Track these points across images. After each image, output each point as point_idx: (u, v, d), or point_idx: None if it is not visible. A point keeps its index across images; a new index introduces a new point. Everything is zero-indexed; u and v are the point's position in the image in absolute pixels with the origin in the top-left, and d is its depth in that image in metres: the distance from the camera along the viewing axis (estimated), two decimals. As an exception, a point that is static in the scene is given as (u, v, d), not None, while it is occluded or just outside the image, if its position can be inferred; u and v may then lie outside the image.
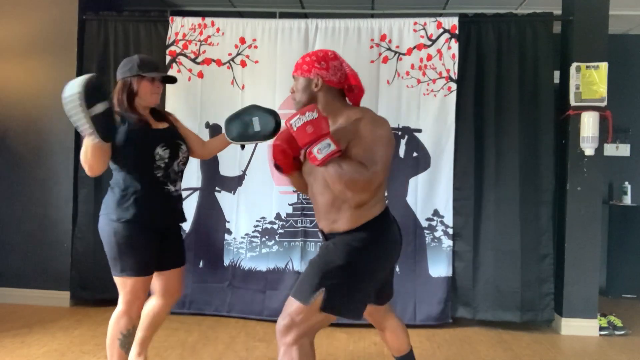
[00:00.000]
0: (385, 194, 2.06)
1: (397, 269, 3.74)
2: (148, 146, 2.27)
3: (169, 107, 3.86)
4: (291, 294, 1.92)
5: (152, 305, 2.55)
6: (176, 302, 2.60)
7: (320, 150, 1.78)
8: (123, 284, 2.28)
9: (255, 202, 3.83)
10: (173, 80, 2.49)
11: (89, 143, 2.10)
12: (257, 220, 3.82)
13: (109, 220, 2.25)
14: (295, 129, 1.80)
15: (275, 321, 3.83)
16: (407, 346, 2.32)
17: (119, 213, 2.24)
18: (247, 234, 3.83)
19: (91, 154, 2.13)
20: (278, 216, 3.80)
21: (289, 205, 3.79)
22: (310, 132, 1.78)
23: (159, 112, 2.46)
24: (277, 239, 3.80)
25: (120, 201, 2.25)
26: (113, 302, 3.88)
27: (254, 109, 2.49)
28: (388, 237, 2.00)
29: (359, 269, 1.92)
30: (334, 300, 1.87)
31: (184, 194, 3.85)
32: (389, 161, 1.89)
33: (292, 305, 1.89)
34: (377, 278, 2.00)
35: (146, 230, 2.27)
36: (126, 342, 2.30)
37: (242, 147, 2.62)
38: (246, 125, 2.44)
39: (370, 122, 1.91)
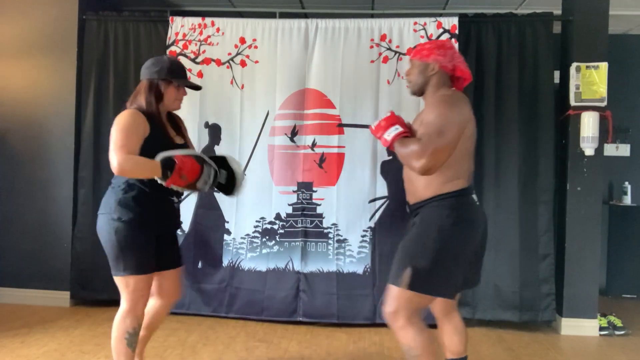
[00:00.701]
0: (463, 177, 2.16)
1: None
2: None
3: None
4: (389, 281, 2.11)
5: (151, 305, 2.55)
6: (175, 303, 2.59)
7: (389, 134, 2.13)
8: (125, 283, 2.26)
9: (255, 202, 3.82)
10: (198, 88, 2.50)
11: (157, 172, 2.12)
12: (256, 221, 3.82)
13: (109, 220, 2.24)
14: (373, 127, 2.22)
15: (274, 321, 3.86)
16: (460, 352, 2.34)
17: (120, 212, 2.22)
18: (247, 234, 3.83)
19: (145, 175, 2.18)
20: (278, 216, 3.80)
21: (289, 205, 3.79)
22: (383, 125, 2.16)
23: (173, 117, 2.46)
24: (278, 239, 3.80)
25: (123, 201, 2.24)
26: (112, 302, 3.91)
27: (227, 160, 2.44)
28: (466, 213, 2.12)
29: (440, 246, 2.05)
30: (418, 279, 2.03)
31: (184, 194, 3.85)
32: (441, 135, 2.02)
33: (391, 290, 2.08)
34: (459, 256, 2.09)
35: (145, 231, 2.27)
36: (133, 340, 2.29)
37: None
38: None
39: (433, 102, 2.16)
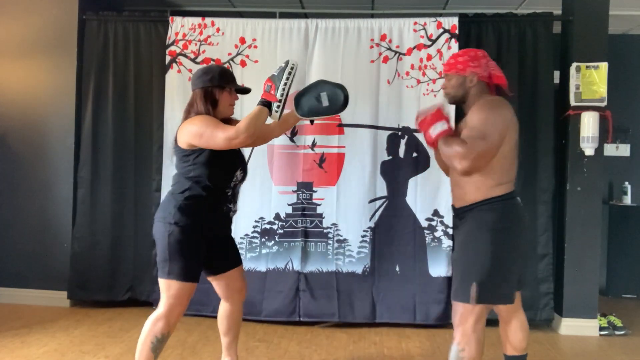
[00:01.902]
0: (509, 181, 2.23)
1: (397, 268, 3.75)
2: (233, 166, 2.36)
3: (169, 107, 3.86)
4: (452, 298, 2.21)
5: (223, 309, 2.61)
6: (242, 300, 2.62)
7: (435, 129, 2.18)
8: (168, 286, 2.28)
9: (254, 202, 3.82)
10: (248, 91, 2.52)
11: (263, 110, 2.26)
12: (255, 221, 3.82)
13: (166, 224, 2.27)
14: (419, 120, 2.28)
15: (274, 322, 3.85)
16: (523, 348, 2.41)
17: (177, 217, 2.25)
18: (246, 235, 3.83)
19: (261, 119, 2.27)
20: (277, 216, 3.80)
21: (289, 205, 3.79)
22: (428, 120, 2.22)
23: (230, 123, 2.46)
24: (277, 239, 3.80)
25: (183, 207, 2.26)
26: (110, 303, 3.92)
27: (322, 84, 2.54)
28: (515, 217, 2.19)
29: (494, 253, 2.13)
30: (485, 292, 2.11)
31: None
32: (484, 139, 2.09)
33: (458, 306, 2.16)
34: (514, 259, 2.18)
35: (198, 237, 2.30)
36: (158, 346, 2.30)
37: (312, 122, 2.69)
38: (316, 100, 2.48)
39: (476, 107, 2.20)
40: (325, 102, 2.47)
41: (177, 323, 2.36)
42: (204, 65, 2.44)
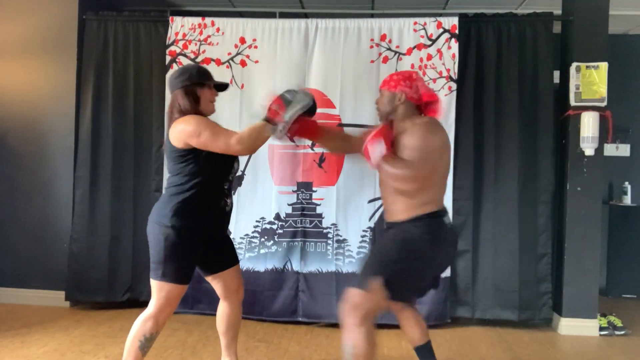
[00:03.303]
0: (438, 200, 2.32)
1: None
2: (230, 158, 2.36)
3: (169, 107, 3.85)
4: (353, 283, 2.24)
5: (221, 309, 2.60)
6: (241, 299, 2.62)
7: (375, 152, 2.20)
8: (160, 288, 2.28)
9: (255, 202, 3.82)
10: (226, 86, 2.53)
11: (266, 126, 2.23)
12: (256, 221, 3.82)
13: (161, 226, 2.26)
14: (366, 142, 2.27)
15: (274, 322, 3.86)
16: (425, 336, 2.53)
17: (175, 221, 2.24)
18: (246, 235, 3.83)
19: (262, 136, 2.25)
20: (277, 216, 3.80)
21: (289, 205, 3.79)
22: (371, 141, 2.22)
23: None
24: (276, 239, 3.80)
25: (179, 209, 2.26)
26: (109, 304, 3.91)
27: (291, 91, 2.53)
28: (437, 234, 2.25)
29: (408, 258, 2.19)
30: (382, 285, 2.14)
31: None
32: (422, 162, 2.16)
33: (352, 291, 2.20)
34: (426, 271, 2.27)
35: (195, 240, 2.30)
36: (146, 345, 2.30)
37: (293, 140, 2.66)
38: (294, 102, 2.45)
39: (415, 128, 2.25)
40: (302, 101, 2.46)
41: (164, 323, 2.35)
42: (183, 65, 2.41)
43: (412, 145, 2.20)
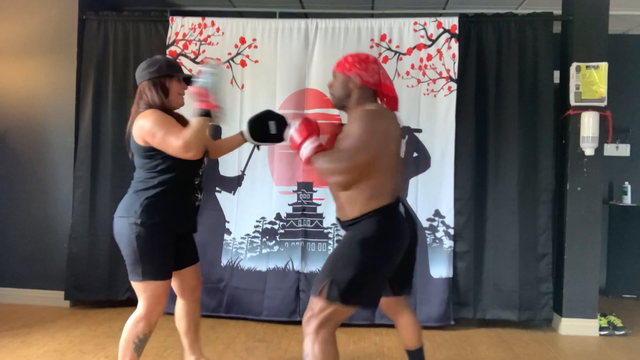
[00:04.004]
0: (388, 192, 2.14)
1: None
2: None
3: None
4: (311, 291, 2.11)
5: (179, 308, 2.59)
6: (197, 298, 2.60)
7: (305, 148, 2.08)
8: (144, 288, 2.25)
9: (255, 202, 3.83)
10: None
11: (204, 120, 2.13)
12: (257, 221, 3.82)
13: (131, 224, 2.21)
14: (287, 138, 2.16)
15: (274, 322, 3.85)
16: (417, 343, 2.42)
17: (144, 217, 2.20)
18: (247, 234, 3.83)
19: (203, 132, 2.16)
20: (278, 216, 3.80)
21: (289, 205, 3.79)
22: (297, 137, 2.11)
23: (180, 117, 2.44)
24: (278, 239, 3.80)
25: (149, 205, 2.21)
26: (108, 304, 3.91)
27: (270, 114, 2.58)
28: (390, 230, 2.10)
29: (361, 260, 2.04)
30: (336, 290, 2.00)
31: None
32: (360, 150, 2.01)
33: (312, 299, 2.08)
34: (380, 269, 2.09)
35: (167, 234, 2.28)
36: (141, 346, 2.29)
37: (258, 147, 2.74)
38: (265, 128, 2.53)
39: (356, 115, 2.09)
40: (273, 130, 2.53)
41: (157, 322, 2.34)
42: (152, 57, 2.41)
43: (350, 133, 2.05)
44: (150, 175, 2.25)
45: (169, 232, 2.28)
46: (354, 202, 2.10)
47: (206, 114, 2.15)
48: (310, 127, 2.12)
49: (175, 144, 2.13)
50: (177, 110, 2.40)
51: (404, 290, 2.36)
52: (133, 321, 2.29)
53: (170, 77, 2.32)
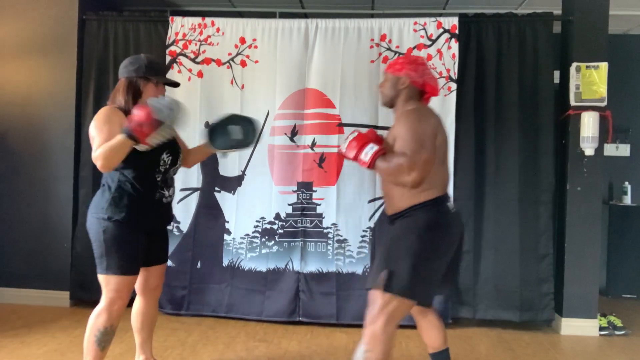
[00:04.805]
0: (438, 186, 2.22)
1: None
2: (156, 151, 2.29)
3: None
4: (367, 284, 2.18)
5: (137, 306, 2.58)
6: (157, 298, 2.61)
7: (366, 153, 2.17)
8: (107, 281, 2.28)
9: (255, 202, 3.82)
10: (176, 85, 2.52)
11: (127, 143, 2.10)
12: (256, 221, 3.82)
13: (98, 219, 2.26)
14: (344, 150, 2.25)
15: (274, 322, 3.85)
16: (443, 343, 2.42)
17: (110, 212, 2.24)
18: (247, 234, 3.83)
19: (122, 152, 2.13)
20: (277, 216, 3.80)
21: (289, 205, 3.79)
22: (355, 146, 2.20)
23: None
24: (277, 239, 3.80)
25: (114, 201, 2.26)
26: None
27: (234, 118, 2.53)
28: (441, 222, 2.18)
29: (415, 250, 2.11)
30: (394, 280, 2.07)
31: (184, 193, 3.85)
32: (423, 147, 2.09)
33: (371, 294, 2.14)
34: (435, 261, 2.16)
35: (135, 231, 2.29)
36: (103, 339, 2.29)
37: (225, 155, 2.61)
38: (229, 134, 2.46)
39: (403, 117, 2.22)
40: (238, 135, 2.45)
41: (121, 317, 2.34)
42: (137, 55, 2.41)
43: (402, 135, 2.14)
44: (112, 173, 2.29)
45: (136, 228, 2.29)
46: (405, 196, 2.18)
47: (132, 138, 2.10)
48: (363, 136, 2.23)
49: (94, 153, 2.15)
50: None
51: (445, 288, 2.38)
52: (94, 315, 2.30)
53: (147, 79, 2.32)
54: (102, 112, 2.27)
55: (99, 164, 2.14)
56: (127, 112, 2.26)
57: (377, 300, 2.10)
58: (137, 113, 2.10)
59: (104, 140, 2.16)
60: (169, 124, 2.15)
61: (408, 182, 2.11)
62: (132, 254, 2.29)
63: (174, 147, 2.42)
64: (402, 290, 2.08)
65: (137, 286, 2.52)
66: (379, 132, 3.69)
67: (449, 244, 2.20)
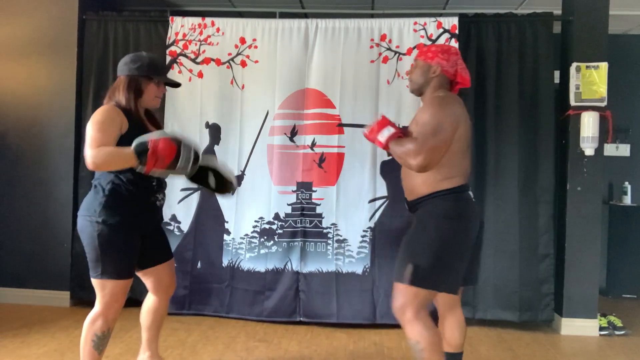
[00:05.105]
0: (459, 175, 2.24)
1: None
2: None
3: (169, 107, 3.86)
4: (394, 277, 2.19)
5: (149, 303, 2.57)
6: (171, 295, 2.60)
7: (382, 135, 2.21)
8: (102, 286, 2.24)
9: (254, 202, 3.82)
10: (177, 85, 2.49)
11: (133, 162, 2.02)
12: (255, 221, 3.82)
13: (91, 222, 2.20)
14: (367, 131, 2.29)
15: (274, 322, 3.85)
16: (458, 346, 2.42)
17: (104, 216, 2.19)
18: (246, 235, 3.83)
19: (122, 165, 2.10)
20: (277, 216, 3.80)
21: (288, 205, 3.79)
22: (375, 129, 2.24)
23: (151, 115, 2.44)
24: (276, 239, 3.80)
25: (107, 204, 2.20)
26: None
27: (217, 167, 2.41)
28: (462, 210, 2.19)
29: (437, 240, 2.13)
30: (420, 274, 2.09)
31: (184, 193, 3.85)
32: (435, 134, 2.10)
33: (397, 286, 2.16)
34: (458, 250, 2.16)
35: (129, 234, 2.26)
36: (100, 343, 2.28)
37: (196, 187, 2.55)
38: (205, 177, 2.36)
39: (426, 103, 2.24)
40: (211, 184, 2.36)
41: (117, 318, 2.33)
42: (139, 52, 2.38)
43: (422, 120, 2.17)
44: (107, 174, 2.24)
45: (131, 231, 2.26)
46: (425, 181, 2.19)
47: (141, 161, 2.02)
48: (385, 120, 2.26)
49: (87, 151, 2.10)
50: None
51: (468, 280, 2.35)
52: (90, 319, 2.28)
53: (148, 78, 2.29)
54: (104, 110, 2.21)
55: (92, 163, 2.07)
56: (126, 110, 2.23)
57: (405, 294, 2.12)
58: (163, 147, 2.01)
59: (106, 141, 2.12)
60: (176, 171, 2.10)
61: (413, 166, 2.12)
62: (127, 257, 2.26)
63: None
64: (428, 283, 2.11)
65: (151, 287, 2.52)
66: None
67: (469, 231, 2.20)
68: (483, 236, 2.36)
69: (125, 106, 2.25)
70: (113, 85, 2.32)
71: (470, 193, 2.27)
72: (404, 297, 2.13)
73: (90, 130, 2.14)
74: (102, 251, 2.19)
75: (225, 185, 2.40)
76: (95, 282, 2.25)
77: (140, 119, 2.30)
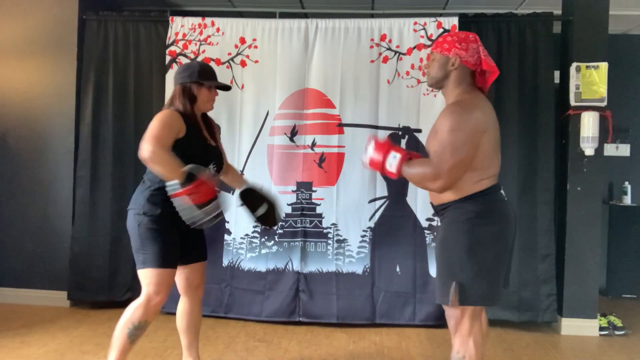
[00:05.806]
0: (490, 176, 2.11)
1: (397, 268, 3.74)
2: (205, 161, 2.35)
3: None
4: (437, 300, 2.10)
5: (181, 306, 2.60)
6: (200, 297, 2.62)
7: (391, 164, 2.06)
8: (144, 276, 2.30)
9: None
10: (228, 88, 2.56)
11: (174, 179, 2.10)
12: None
13: (136, 215, 2.31)
14: (367, 162, 2.13)
15: (274, 322, 3.84)
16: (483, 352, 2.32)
17: (147, 208, 2.29)
18: (246, 235, 3.83)
19: (165, 174, 2.15)
20: (277, 216, 3.80)
21: (288, 205, 3.79)
22: (377, 159, 2.08)
23: (208, 121, 2.53)
24: (277, 240, 3.80)
25: (151, 198, 2.30)
26: (108, 304, 3.91)
27: (273, 202, 2.58)
28: (495, 210, 2.05)
29: (474, 247, 1.97)
30: (466, 292, 1.97)
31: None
32: (453, 152, 1.95)
33: (446, 310, 2.07)
34: (497, 255, 2.01)
35: (168, 226, 2.31)
36: (135, 333, 2.30)
37: (240, 205, 2.64)
38: (256, 204, 2.53)
39: (442, 113, 2.06)
40: (259, 211, 2.52)
41: (157, 313, 2.34)
42: (190, 62, 2.48)
43: (440, 132, 2.00)
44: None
45: (170, 224, 2.31)
46: (457, 189, 2.03)
47: (183, 185, 2.10)
48: (383, 145, 2.09)
49: (145, 144, 2.15)
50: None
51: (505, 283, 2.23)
52: (132, 307, 2.32)
53: (200, 84, 2.39)
54: (170, 112, 2.31)
55: (149, 158, 2.14)
56: (185, 115, 2.33)
57: (456, 315, 2.03)
58: (205, 190, 2.13)
59: (167, 141, 2.20)
60: (194, 217, 2.15)
61: (434, 189, 2.02)
62: (167, 246, 2.31)
63: (219, 160, 2.50)
64: (478, 299, 2.00)
65: (180, 286, 2.55)
66: (379, 132, 3.76)
67: (507, 234, 2.05)
68: (515, 241, 2.19)
69: (184, 111, 2.35)
70: (171, 95, 2.44)
71: (502, 193, 2.14)
72: (454, 319, 2.04)
73: (156, 126, 2.23)
74: (142, 240, 2.28)
75: (269, 220, 2.55)
76: (139, 272, 2.32)
77: (197, 124, 2.41)
